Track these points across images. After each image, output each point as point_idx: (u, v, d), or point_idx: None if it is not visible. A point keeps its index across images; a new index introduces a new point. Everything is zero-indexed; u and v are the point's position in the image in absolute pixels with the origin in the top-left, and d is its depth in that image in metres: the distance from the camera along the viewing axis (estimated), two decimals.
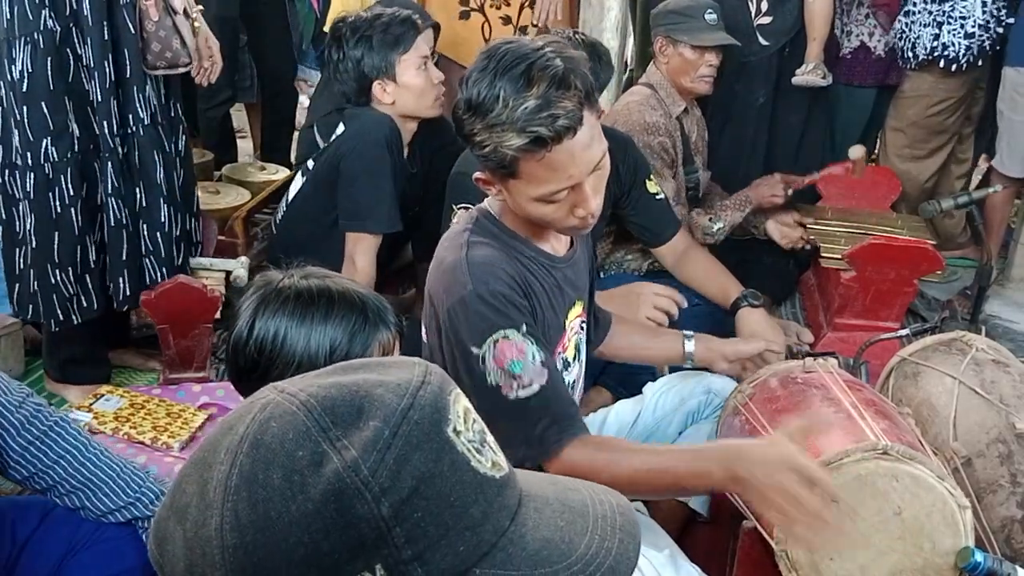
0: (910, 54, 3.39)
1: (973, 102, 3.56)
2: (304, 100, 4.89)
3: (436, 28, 2.78)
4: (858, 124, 3.70)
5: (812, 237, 3.08)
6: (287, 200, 2.90)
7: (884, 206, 3.40)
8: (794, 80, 3.38)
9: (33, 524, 1.58)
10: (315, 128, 3.19)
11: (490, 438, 0.68)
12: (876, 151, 3.91)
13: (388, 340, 1.25)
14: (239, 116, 4.73)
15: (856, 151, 3.14)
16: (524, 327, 1.49)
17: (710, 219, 2.92)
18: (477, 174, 1.55)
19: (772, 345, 2.00)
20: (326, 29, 3.93)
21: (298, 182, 2.87)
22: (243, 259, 2.89)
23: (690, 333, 1.99)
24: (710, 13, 2.94)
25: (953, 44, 3.31)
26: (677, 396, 2.00)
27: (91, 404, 2.41)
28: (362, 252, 2.59)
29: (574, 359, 1.79)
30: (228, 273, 2.81)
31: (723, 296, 2.44)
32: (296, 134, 4.23)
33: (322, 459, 0.60)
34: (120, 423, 2.33)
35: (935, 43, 3.32)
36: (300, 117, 4.47)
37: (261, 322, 1.22)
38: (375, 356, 1.23)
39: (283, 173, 3.78)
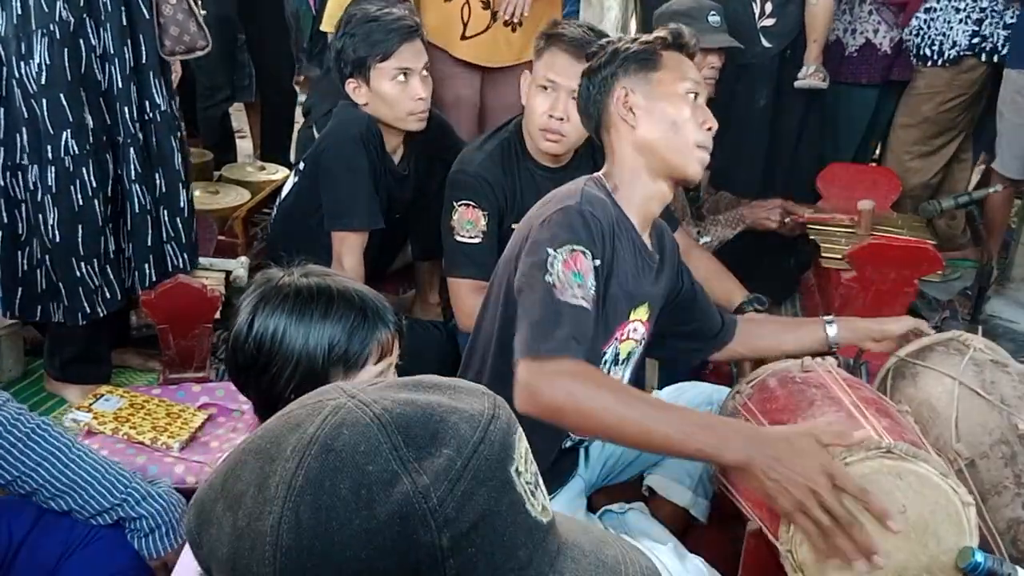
0: (928, 51, 3.37)
1: (977, 100, 3.55)
2: (304, 99, 4.88)
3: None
4: (861, 123, 3.70)
5: (812, 237, 3.08)
6: (279, 201, 2.90)
7: (884, 206, 3.39)
8: (797, 84, 3.37)
9: (28, 524, 1.57)
10: (314, 128, 3.19)
11: (541, 481, 0.68)
12: (877, 152, 3.91)
13: (387, 339, 1.25)
14: (239, 116, 4.73)
15: (865, 204, 3.10)
16: (598, 261, 1.55)
17: (698, 232, 2.92)
18: (620, 93, 1.70)
19: (921, 324, 1.97)
20: (323, 28, 3.95)
21: (290, 182, 2.87)
22: (243, 259, 2.89)
23: (830, 318, 1.99)
24: (713, 15, 2.93)
25: (993, 36, 3.30)
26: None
27: (91, 404, 2.40)
28: (348, 251, 2.57)
29: (623, 362, 1.79)
30: (228, 273, 2.81)
31: (726, 299, 2.43)
32: (296, 134, 4.23)
33: (393, 479, 0.59)
34: (120, 423, 2.32)
35: (975, 39, 3.30)
36: (300, 117, 4.47)
37: (260, 319, 1.22)
38: (373, 355, 1.23)
39: (283, 173, 3.78)
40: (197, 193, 3.39)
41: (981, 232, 3.80)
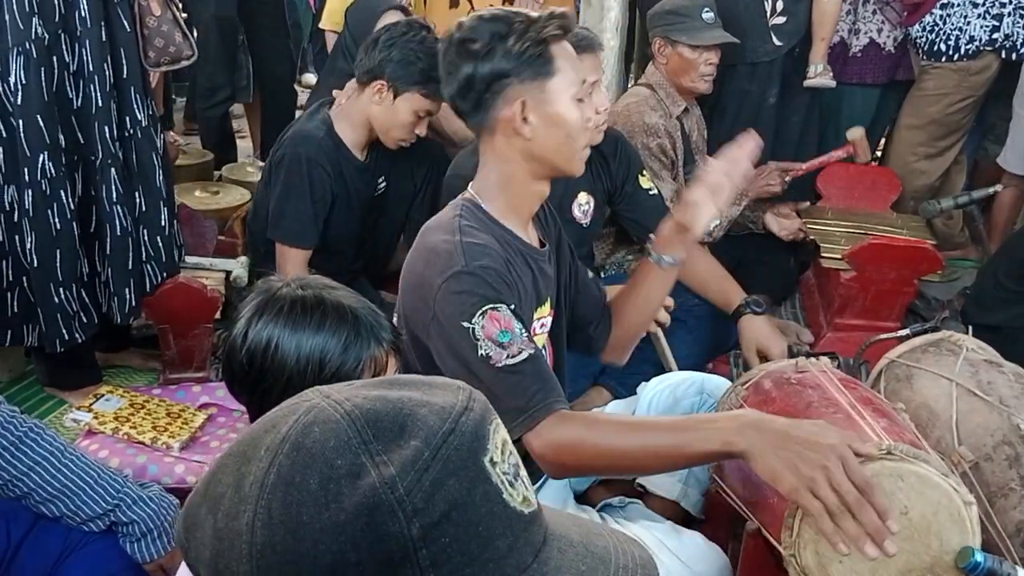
0: (943, 46, 3.34)
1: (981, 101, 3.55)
2: (304, 100, 4.88)
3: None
4: (863, 123, 3.69)
5: (812, 237, 3.08)
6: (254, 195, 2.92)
7: (884, 206, 3.39)
8: (806, 83, 3.37)
9: (28, 523, 1.56)
10: None
11: (523, 472, 0.68)
12: (879, 150, 3.90)
13: (380, 356, 1.24)
14: (238, 116, 4.73)
15: (854, 132, 3.08)
16: (512, 305, 1.52)
17: None
18: (506, 111, 1.55)
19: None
20: (322, 26, 3.95)
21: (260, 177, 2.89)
22: (243, 259, 2.90)
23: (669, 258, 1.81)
24: (707, 12, 2.93)
25: (1014, 34, 3.28)
26: (670, 397, 2.00)
27: (91, 404, 2.40)
28: (289, 264, 2.55)
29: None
30: (228, 273, 2.81)
31: (724, 300, 2.43)
32: None
33: (360, 471, 0.60)
34: (120, 423, 2.32)
35: (994, 34, 3.29)
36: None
37: (255, 330, 1.22)
38: (366, 372, 1.22)
39: None
40: (197, 193, 3.41)
41: (980, 232, 3.79)
